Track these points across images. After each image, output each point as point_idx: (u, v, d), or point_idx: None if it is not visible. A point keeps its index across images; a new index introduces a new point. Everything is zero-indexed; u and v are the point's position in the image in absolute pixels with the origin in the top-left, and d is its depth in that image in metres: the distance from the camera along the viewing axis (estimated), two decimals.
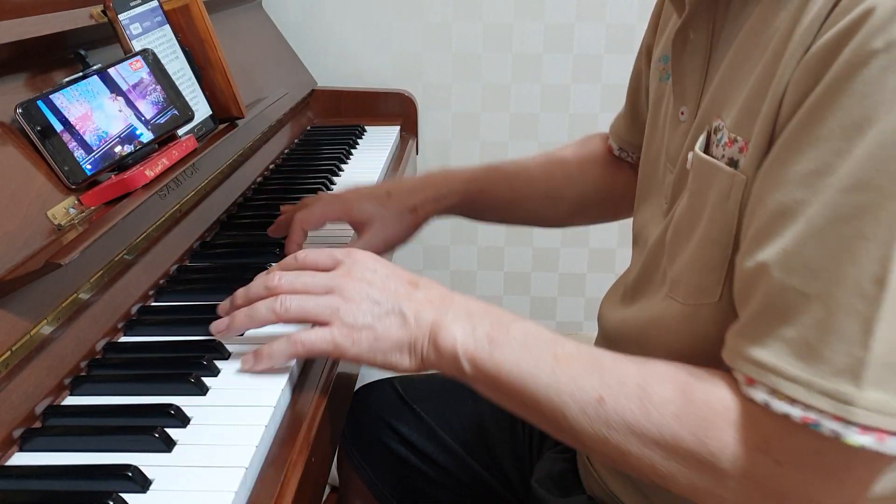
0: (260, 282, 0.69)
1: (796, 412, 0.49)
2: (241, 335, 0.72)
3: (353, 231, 0.94)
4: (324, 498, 1.44)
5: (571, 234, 1.78)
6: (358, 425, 1.02)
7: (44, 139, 0.74)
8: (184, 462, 0.58)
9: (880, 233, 0.47)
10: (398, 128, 1.57)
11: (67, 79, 0.81)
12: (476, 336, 0.62)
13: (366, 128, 1.54)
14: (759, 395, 0.51)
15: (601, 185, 0.99)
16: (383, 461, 1.00)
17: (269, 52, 1.48)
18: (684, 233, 0.64)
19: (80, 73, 0.82)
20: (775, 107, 0.53)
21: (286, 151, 1.37)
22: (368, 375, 1.39)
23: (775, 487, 0.52)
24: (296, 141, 1.44)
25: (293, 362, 0.70)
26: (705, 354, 0.60)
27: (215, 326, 0.70)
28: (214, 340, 0.72)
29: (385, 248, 0.92)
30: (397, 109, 1.63)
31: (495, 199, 0.96)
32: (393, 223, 0.91)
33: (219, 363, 0.70)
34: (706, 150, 0.61)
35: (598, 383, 0.57)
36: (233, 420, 0.62)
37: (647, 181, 0.77)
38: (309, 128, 1.53)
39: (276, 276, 0.68)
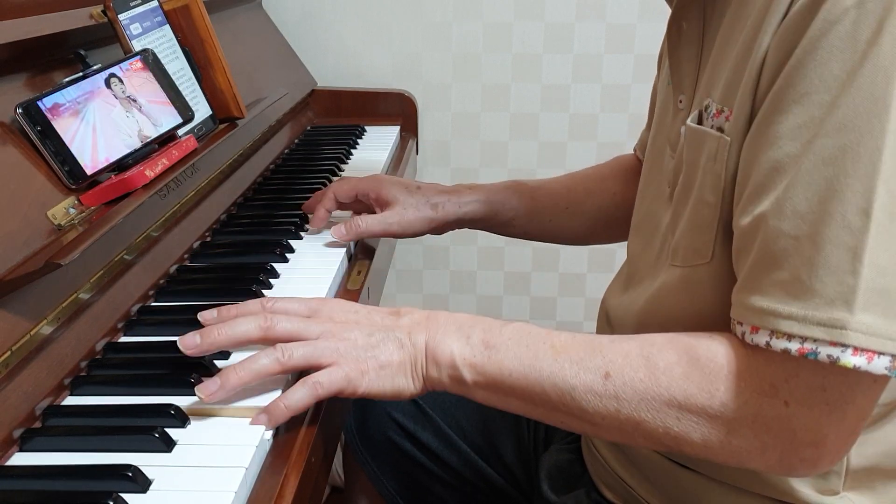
0: (251, 322, 0.65)
1: (794, 346, 0.52)
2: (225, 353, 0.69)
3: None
4: (324, 498, 1.44)
5: None
6: (364, 422, 1.02)
7: (44, 139, 0.74)
8: (184, 462, 0.58)
9: (861, 168, 0.50)
10: (398, 128, 1.57)
11: (67, 79, 0.81)
12: (471, 343, 0.64)
13: (366, 128, 1.54)
14: (762, 339, 0.54)
15: (619, 200, 1.01)
16: (389, 457, 1.01)
17: (269, 52, 1.48)
18: (681, 202, 0.66)
19: (80, 73, 0.82)
20: (756, 72, 0.57)
21: (286, 151, 1.37)
22: None
23: (785, 428, 0.54)
24: (296, 141, 1.44)
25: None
26: (703, 319, 0.63)
27: (203, 391, 0.62)
28: None
29: (399, 230, 0.96)
30: (397, 109, 1.63)
31: (517, 210, 1.00)
32: (413, 210, 0.96)
33: (219, 363, 0.70)
34: (698, 124, 0.65)
35: (601, 361, 0.60)
36: (233, 420, 0.62)
37: (649, 173, 0.79)
38: (309, 128, 1.53)
39: (266, 317, 0.65)
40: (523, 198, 1.00)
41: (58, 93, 0.77)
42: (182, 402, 0.64)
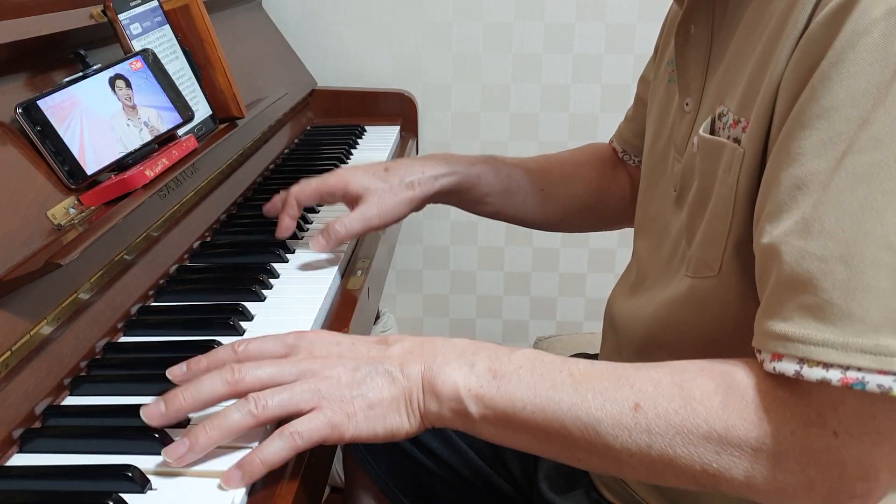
0: (216, 380, 0.58)
1: (834, 375, 0.48)
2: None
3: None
4: (324, 498, 1.44)
5: (571, 234, 1.78)
6: None
7: (44, 139, 0.74)
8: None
9: None
10: (398, 128, 1.57)
11: (67, 79, 0.81)
12: (477, 373, 0.57)
13: (366, 128, 1.54)
14: (788, 368, 0.50)
15: (594, 188, 1.00)
16: (388, 456, 1.01)
17: (269, 52, 1.48)
18: (698, 213, 0.64)
19: (80, 73, 0.82)
20: (774, 85, 0.54)
21: (286, 151, 1.37)
22: None
23: (835, 461, 0.50)
24: (296, 141, 1.44)
25: None
26: (711, 334, 0.60)
27: (171, 454, 0.56)
28: (215, 341, 0.72)
29: (379, 222, 0.90)
30: (397, 109, 1.63)
31: (491, 186, 0.95)
32: (389, 196, 0.89)
33: None
34: (711, 133, 0.63)
35: (629, 392, 0.54)
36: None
37: (653, 174, 0.79)
38: (309, 128, 1.53)
39: (233, 370, 0.58)
40: (499, 174, 0.95)
41: (58, 93, 0.77)
42: None
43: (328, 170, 1.25)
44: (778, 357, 0.50)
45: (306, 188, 0.91)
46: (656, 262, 0.74)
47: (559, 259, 1.82)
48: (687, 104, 0.70)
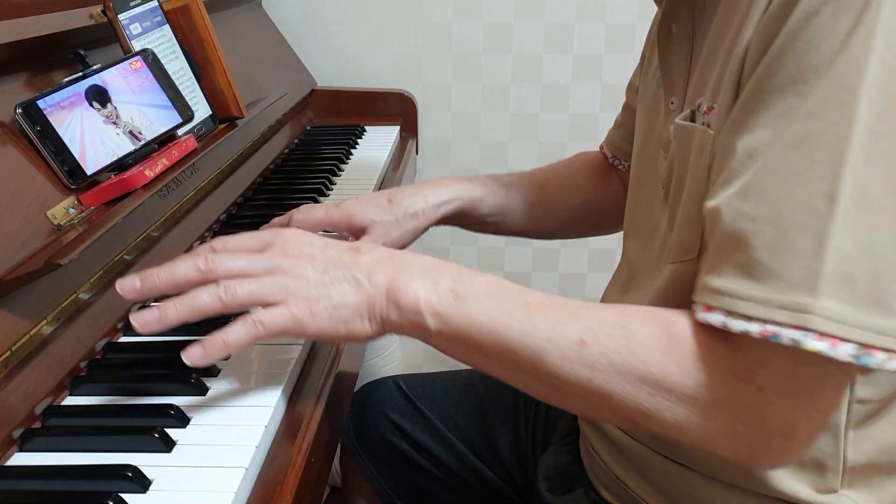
0: (189, 264, 0.61)
1: (754, 328, 0.51)
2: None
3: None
4: (324, 498, 1.44)
5: None
6: (362, 422, 1.02)
7: (44, 139, 0.74)
8: (183, 462, 0.58)
9: (829, 154, 0.50)
10: (398, 128, 1.57)
11: (67, 79, 0.81)
12: (439, 291, 0.60)
13: (366, 128, 1.54)
14: (716, 318, 0.53)
15: (590, 196, 1.01)
16: (387, 458, 1.01)
17: (269, 52, 1.48)
18: (677, 199, 0.66)
19: (80, 73, 0.82)
20: (738, 64, 0.57)
21: (286, 151, 1.37)
22: (370, 374, 1.39)
23: (757, 414, 0.54)
24: (296, 141, 1.44)
25: (293, 363, 0.70)
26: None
27: (139, 319, 0.60)
28: None
29: None
30: (397, 109, 1.63)
31: (491, 208, 0.97)
32: (394, 228, 0.90)
33: (219, 363, 0.70)
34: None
35: (577, 327, 0.57)
36: (232, 420, 0.62)
37: (642, 176, 0.79)
38: (309, 128, 1.53)
39: (206, 258, 0.61)
40: (497, 195, 0.97)
41: (57, 93, 0.77)
42: (182, 402, 0.64)
43: (329, 170, 1.26)
44: (709, 308, 0.54)
45: (310, 219, 0.90)
46: (646, 260, 0.74)
47: (559, 259, 1.82)
48: (672, 103, 0.71)
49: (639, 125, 0.81)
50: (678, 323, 0.56)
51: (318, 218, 0.90)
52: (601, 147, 1.04)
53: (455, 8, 1.64)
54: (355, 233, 0.91)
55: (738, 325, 0.52)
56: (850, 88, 0.50)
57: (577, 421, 0.86)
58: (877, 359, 0.50)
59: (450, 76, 1.69)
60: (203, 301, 0.59)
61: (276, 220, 0.93)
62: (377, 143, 1.47)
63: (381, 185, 1.26)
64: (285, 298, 0.60)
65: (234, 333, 0.59)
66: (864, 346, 0.50)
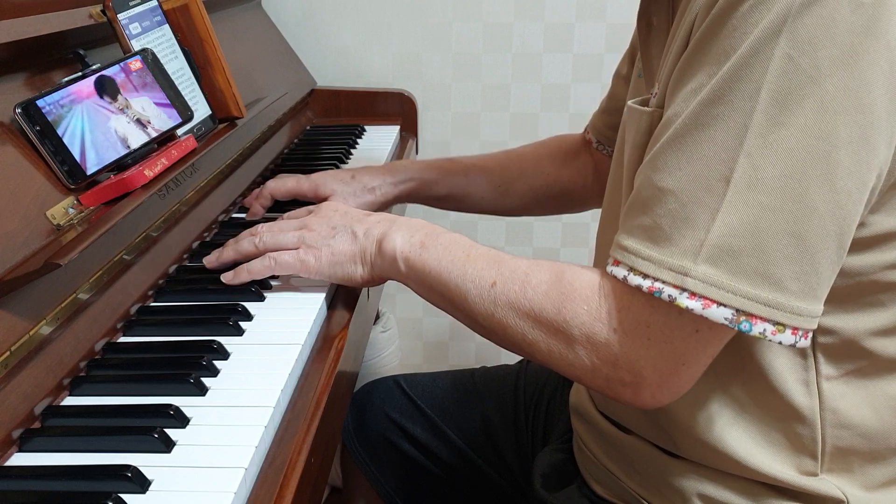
0: (247, 231, 0.84)
1: (646, 283, 0.59)
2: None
3: None
4: (324, 498, 1.44)
5: (571, 233, 1.78)
6: (362, 422, 1.03)
7: (43, 139, 0.74)
8: (183, 462, 0.58)
9: (728, 139, 0.56)
10: (398, 128, 1.57)
11: (66, 78, 0.81)
12: (412, 242, 0.75)
13: (365, 128, 1.54)
14: (619, 272, 0.61)
15: (552, 181, 1.08)
16: (387, 457, 1.01)
17: (268, 51, 1.48)
18: (625, 177, 0.71)
19: (80, 73, 0.82)
20: (682, 45, 0.62)
21: (286, 151, 1.37)
22: (370, 374, 1.39)
23: (609, 353, 0.61)
24: (295, 141, 1.44)
25: (293, 363, 0.70)
26: None
27: (207, 260, 0.85)
28: (214, 341, 0.72)
29: None
30: (397, 109, 1.63)
31: (449, 189, 1.07)
32: (351, 199, 1.03)
33: (218, 363, 0.70)
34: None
35: (494, 273, 0.68)
36: (232, 420, 0.62)
37: (617, 166, 0.80)
38: (308, 127, 1.53)
39: (259, 225, 0.84)
40: (455, 177, 1.07)
41: (57, 92, 0.77)
42: (182, 402, 0.64)
43: (328, 170, 1.26)
44: (616, 263, 0.61)
45: (282, 187, 1.04)
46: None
47: (559, 259, 1.81)
48: (654, 95, 0.71)
49: (621, 121, 0.82)
50: (570, 273, 0.65)
51: (289, 187, 1.04)
52: (585, 130, 1.07)
53: (455, 8, 1.64)
54: (320, 200, 1.02)
55: (635, 280, 0.59)
56: (755, 79, 0.55)
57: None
58: (759, 327, 0.56)
59: (450, 76, 1.69)
60: (244, 246, 0.82)
61: (255, 191, 1.06)
62: (377, 142, 1.47)
63: None
64: (299, 245, 0.80)
65: (255, 265, 0.80)
66: (742, 312, 0.56)
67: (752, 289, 0.56)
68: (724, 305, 0.56)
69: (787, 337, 0.57)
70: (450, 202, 1.09)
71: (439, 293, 0.72)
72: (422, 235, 0.75)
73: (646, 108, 0.67)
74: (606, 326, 0.61)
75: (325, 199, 1.01)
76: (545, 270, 0.66)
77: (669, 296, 0.57)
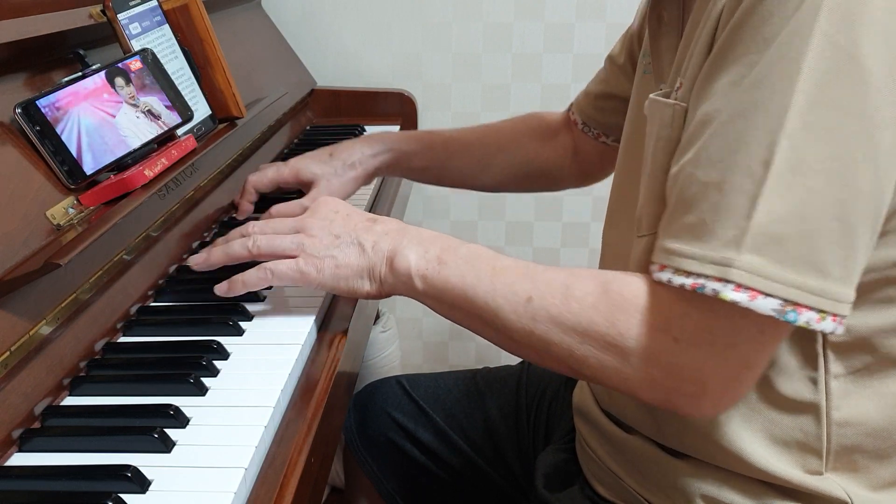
0: (237, 230, 0.79)
1: (688, 282, 0.56)
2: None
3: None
4: (324, 498, 1.44)
5: (571, 233, 1.78)
6: (364, 422, 1.03)
7: (43, 139, 0.74)
8: (183, 462, 0.58)
9: (769, 122, 0.54)
10: (398, 128, 1.57)
11: (66, 78, 0.81)
12: (427, 258, 0.69)
13: (365, 127, 1.54)
14: (665, 276, 0.58)
15: (530, 157, 1.09)
16: (389, 458, 1.01)
17: (268, 51, 1.48)
18: (644, 173, 0.69)
19: (80, 73, 0.82)
20: (710, 35, 0.60)
21: (286, 151, 1.37)
22: (370, 374, 1.39)
23: (672, 364, 0.58)
24: (295, 141, 1.44)
25: (293, 363, 0.70)
26: None
27: (193, 260, 0.79)
28: (214, 341, 0.72)
29: None
30: (397, 109, 1.63)
31: (429, 159, 1.06)
32: (335, 179, 1.02)
33: (218, 363, 0.70)
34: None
35: (528, 286, 0.64)
36: (232, 420, 0.62)
37: (630, 166, 0.79)
38: (308, 127, 1.53)
39: (250, 224, 0.78)
40: (434, 149, 1.06)
41: (57, 92, 0.77)
42: (182, 402, 0.64)
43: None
44: (662, 268, 0.58)
45: (263, 178, 1.03)
46: (624, 245, 0.74)
47: (559, 259, 1.82)
48: (677, 89, 0.71)
49: (628, 115, 0.82)
50: (616, 282, 0.62)
51: (270, 177, 1.03)
52: (569, 110, 1.09)
53: (455, 8, 1.64)
54: (305, 187, 1.03)
55: (678, 281, 0.57)
56: (794, 59, 0.53)
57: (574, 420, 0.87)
58: (805, 317, 0.54)
59: (450, 76, 1.69)
60: (235, 249, 0.76)
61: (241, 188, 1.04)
62: None
63: (381, 185, 1.25)
64: (298, 253, 0.73)
65: (251, 277, 0.74)
66: (789, 302, 0.53)
67: (799, 276, 0.53)
68: (771, 296, 0.53)
69: (829, 325, 0.55)
70: (429, 174, 1.09)
71: (464, 311, 0.68)
72: (437, 250, 0.70)
73: (668, 101, 0.65)
74: (666, 336, 0.58)
75: (309, 184, 1.01)
76: (586, 280, 0.63)
77: (713, 290, 0.54)
